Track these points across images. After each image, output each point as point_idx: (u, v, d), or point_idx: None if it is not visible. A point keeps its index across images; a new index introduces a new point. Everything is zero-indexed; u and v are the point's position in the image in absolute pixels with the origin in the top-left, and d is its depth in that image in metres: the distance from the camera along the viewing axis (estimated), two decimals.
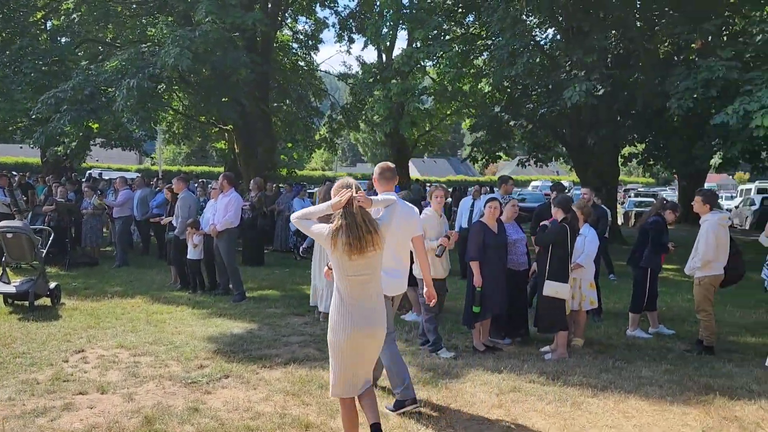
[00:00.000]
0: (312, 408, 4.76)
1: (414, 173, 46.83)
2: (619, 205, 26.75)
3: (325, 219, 3.65)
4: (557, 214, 6.34)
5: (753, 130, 10.55)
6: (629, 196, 36.68)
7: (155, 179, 18.76)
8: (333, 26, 23.13)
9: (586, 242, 6.77)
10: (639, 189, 45.76)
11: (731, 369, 5.91)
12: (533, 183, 48.58)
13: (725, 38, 14.26)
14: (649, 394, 5.19)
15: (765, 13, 13.43)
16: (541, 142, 20.17)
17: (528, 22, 15.87)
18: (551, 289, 6.14)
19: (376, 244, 3.47)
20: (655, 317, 7.50)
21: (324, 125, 25.07)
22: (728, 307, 8.93)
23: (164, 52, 13.18)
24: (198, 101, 17.65)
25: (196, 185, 16.00)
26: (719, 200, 35.45)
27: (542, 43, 17.53)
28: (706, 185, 31.07)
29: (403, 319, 7.75)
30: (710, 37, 13.51)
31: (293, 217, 3.70)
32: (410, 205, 4.95)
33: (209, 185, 10.98)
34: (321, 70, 26.47)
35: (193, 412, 4.66)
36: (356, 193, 3.46)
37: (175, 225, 9.72)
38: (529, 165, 21.60)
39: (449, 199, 21.37)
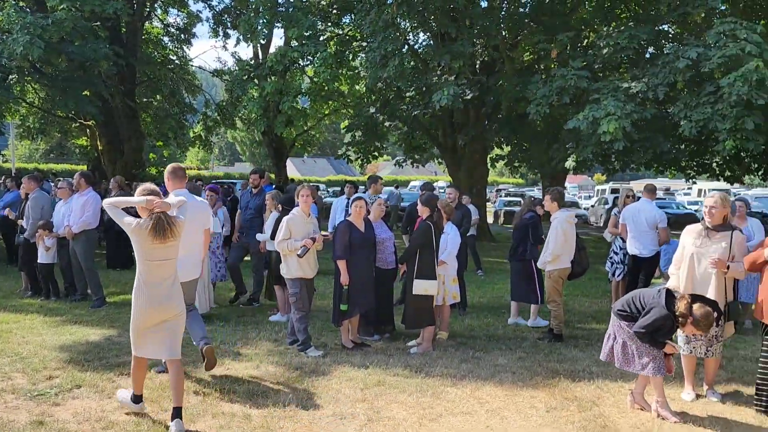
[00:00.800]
0: (170, 414, 4.59)
1: (293, 173, 46.48)
2: (489, 204, 28.11)
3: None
4: (423, 212, 6.62)
5: (601, 135, 11.51)
6: (500, 196, 38.64)
7: (4, 178, 17.16)
8: (207, 21, 22.46)
9: (449, 240, 7.08)
10: (509, 189, 48.35)
11: (576, 354, 6.45)
12: (412, 183, 49.85)
13: (578, 50, 15.45)
14: (503, 380, 5.54)
15: (611, 28, 14.69)
16: (417, 143, 20.75)
17: (402, 26, 16.24)
18: (421, 287, 6.36)
19: (175, 235, 4.37)
20: (516, 309, 8.00)
21: (198, 122, 24.26)
22: (578, 297, 9.72)
23: (12, 39, 12.12)
24: (54, 94, 16.39)
25: (52, 184, 14.86)
26: (579, 199, 38.16)
27: (416, 47, 18.04)
28: (568, 185, 33.52)
29: (270, 321, 7.69)
30: (567, 48, 14.58)
31: (106, 202, 4.42)
32: (202, 201, 5.80)
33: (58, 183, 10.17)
34: (195, 66, 25.61)
35: (37, 425, 4.35)
36: (157, 200, 4.34)
37: (25, 227, 8.99)
38: (406, 165, 22.17)
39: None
